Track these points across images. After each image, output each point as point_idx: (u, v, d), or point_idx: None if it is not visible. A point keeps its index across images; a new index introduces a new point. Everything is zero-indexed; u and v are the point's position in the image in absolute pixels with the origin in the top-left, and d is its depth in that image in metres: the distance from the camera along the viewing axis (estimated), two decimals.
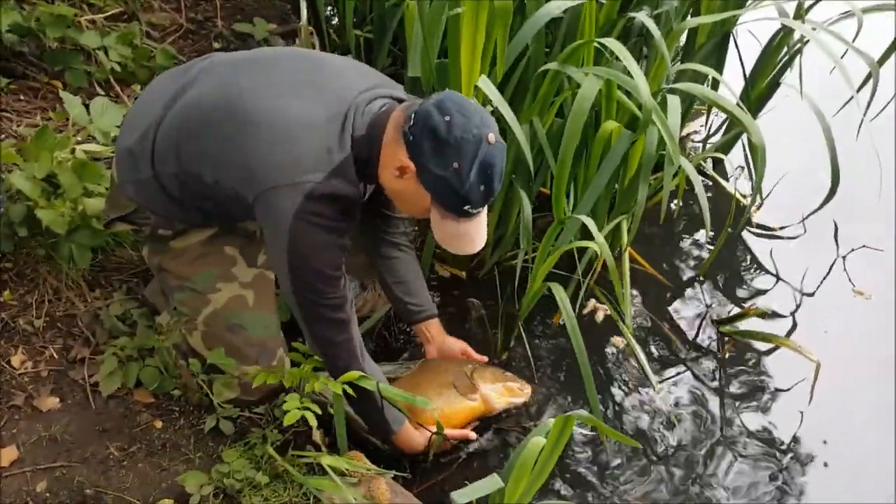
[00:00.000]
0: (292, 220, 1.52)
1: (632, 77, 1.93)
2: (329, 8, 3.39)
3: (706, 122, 3.22)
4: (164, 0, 3.23)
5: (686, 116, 2.82)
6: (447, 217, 1.59)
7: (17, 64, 2.72)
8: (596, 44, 2.06)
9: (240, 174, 1.57)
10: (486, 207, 1.62)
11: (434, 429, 1.85)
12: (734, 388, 2.24)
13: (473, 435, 1.95)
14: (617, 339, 2.35)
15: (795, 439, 2.11)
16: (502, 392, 2.00)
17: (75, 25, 2.74)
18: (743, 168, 3.10)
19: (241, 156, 1.56)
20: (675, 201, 2.72)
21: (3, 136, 2.48)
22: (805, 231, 2.84)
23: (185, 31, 3.15)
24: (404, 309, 2.05)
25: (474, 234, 1.62)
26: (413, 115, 1.52)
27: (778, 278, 2.64)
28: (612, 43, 1.97)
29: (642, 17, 2.16)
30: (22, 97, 2.68)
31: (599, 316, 2.39)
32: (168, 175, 1.68)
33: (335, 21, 3.33)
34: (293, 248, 1.55)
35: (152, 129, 1.68)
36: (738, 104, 2.18)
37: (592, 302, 2.41)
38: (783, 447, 2.09)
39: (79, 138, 2.22)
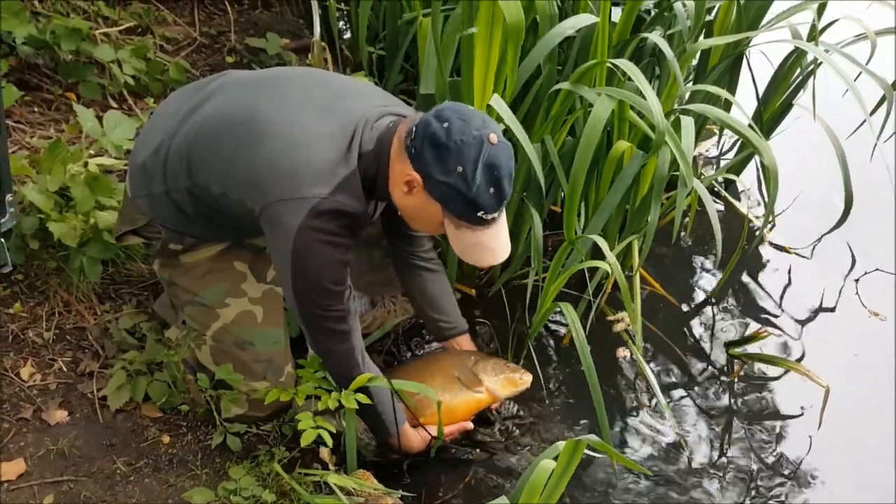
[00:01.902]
0: (296, 235, 1.53)
1: (644, 98, 1.93)
2: (342, 23, 3.41)
3: (718, 142, 3.22)
4: (178, 14, 3.25)
5: (698, 136, 2.80)
6: (461, 227, 1.57)
7: (31, 76, 2.74)
8: (608, 64, 2.06)
9: (247, 185, 1.58)
10: (502, 214, 1.60)
11: (435, 427, 1.85)
12: (744, 412, 2.22)
13: (470, 425, 1.94)
14: (623, 352, 2.34)
15: (804, 464, 2.08)
16: (504, 383, 1.99)
17: (90, 38, 2.76)
18: (750, 191, 3.09)
19: (248, 166, 1.57)
20: (686, 220, 2.71)
21: (16, 147, 2.49)
22: (817, 253, 2.82)
23: (198, 45, 3.17)
24: (435, 326, 2.06)
25: (493, 243, 1.60)
26: (414, 128, 1.52)
27: (789, 302, 2.62)
28: (624, 63, 1.97)
29: (655, 37, 2.16)
30: (36, 109, 2.69)
31: (619, 326, 2.38)
32: (179, 190, 1.69)
33: (348, 37, 3.34)
34: (296, 262, 1.56)
35: (165, 144, 1.69)
36: (750, 125, 2.17)
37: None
38: (791, 472, 2.06)
39: (91, 151, 2.23)
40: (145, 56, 2.84)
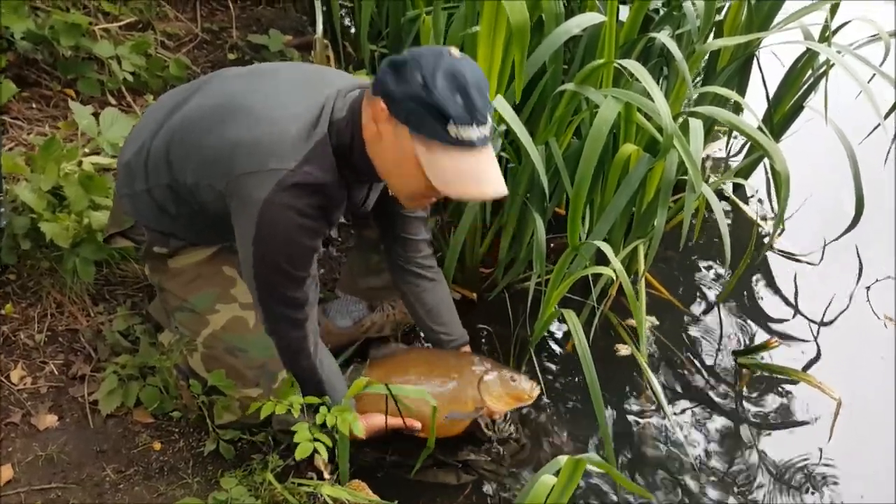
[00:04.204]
0: (261, 209, 1.46)
1: (652, 100, 1.87)
2: (345, 21, 3.36)
3: (727, 144, 3.16)
4: (179, 10, 3.22)
5: (707, 138, 2.76)
6: (434, 147, 1.40)
7: (30, 72, 2.71)
8: (615, 64, 2.01)
9: (214, 163, 1.53)
10: (488, 149, 1.44)
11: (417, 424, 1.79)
12: (751, 422, 2.16)
13: (419, 425, 1.81)
14: (622, 348, 2.29)
15: (814, 477, 2.03)
16: (508, 401, 1.91)
17: (89, 34, 2.73)
18: (758, 193, 3.03)
19: (216, 145, 1.53)
20: (694, 223, 2.66)
21: (13, 144, 2.46)
22: (827, 259, 2.76)
23: (200, 41, 3.13)
24: (435, 338, 2.00)
25: (476, 170, 1.43)
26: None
27: (798, 308, 2.56)
28: (632, 64, 1.91)
29: (663, 37, 2.11)
30: (34, 105, 2.66)
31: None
32: (160, 187, 1.65)
33: (351, 34, 3.29)
34: (259, 239, 1.50)
35: (147, 142, 1.67)
36: (760, 128, 2.12)
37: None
38: (801, 485, 2.01)
39: (86, 150, 2.20)
40: (145, 52, 2.80)
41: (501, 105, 1.94)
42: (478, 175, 1.43)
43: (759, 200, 3.02)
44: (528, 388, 1.92)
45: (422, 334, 2.17)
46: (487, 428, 1.92)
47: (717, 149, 3.22)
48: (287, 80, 1.61)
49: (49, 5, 2.86)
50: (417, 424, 1.79)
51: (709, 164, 3.17)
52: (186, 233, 1.72)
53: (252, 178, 1.48)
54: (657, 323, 2.42)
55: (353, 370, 1.92)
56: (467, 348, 2.02)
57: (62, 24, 2.64)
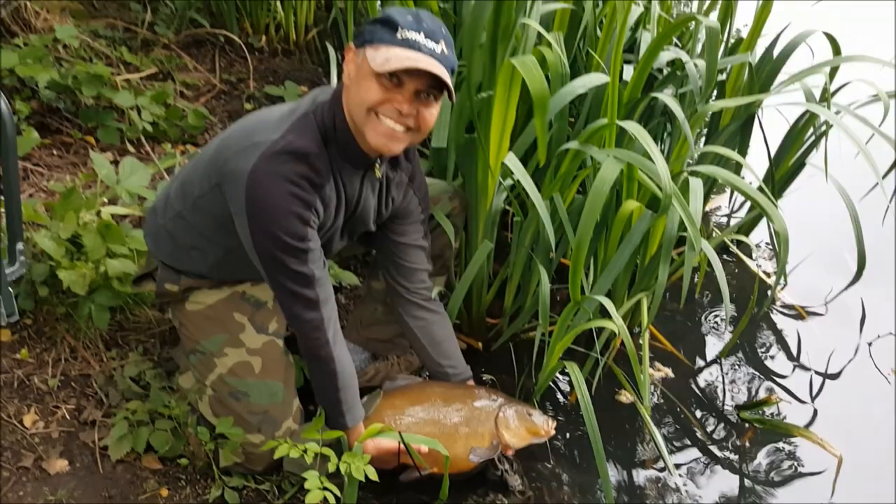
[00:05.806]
0: (248, 180, 1.53)
1: (653, 161, 1.93)
2: None
3: (730, 198, 3.21)
4: (199, 61, 3.32)
5: (711, 191, 2.81)
6: (380, 48, 1.49)
7: (52, 119, 2.80)
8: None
9: (212, 164, 1.64)
10: (435, 58, 1.49)
11: (423, 448, 1.76)
12: (753, 477, 2.17)
13: (425, 449, 1.76)
14: (625, 397, 2.32)
15: None
16: (524, 436, 1.90)
17: (111, 84, 2.82)
18: (763, 245, 3.07)
19: (214, 148, 1.67)
20: (697, 277, 2.69)
21: (33, 190, 2.53)
22: (829, 314, 2.78)
23: (218, 91, 3.22)
24: (441, 372, 2.00)
25: (417, 57, 1.48)
26: None
27: (800, 363, 2.58)
28: (633, 126, 1.97)
29: (666, 97, 2.17)
30: (55, 152, 2.74)
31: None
32: (173, 218, 1.76)
33: None
34: (251, 209, 1.55)
35: (170, 187, 1.82)
36: (760, 187, 2.16)
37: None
38: None
39: (105, 199, 2.26)
40: (165, 102, 2.89)
41: (511, 160, 2.00)
42: (417, 59, 1.49)
43: (764, 250, 3.05)
44: (544, 424, 1.92)
45: (426, 372, 2.19)
46: (499, 461, 1.91)
47: (722, 201, 3.27)
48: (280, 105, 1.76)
49: (73, 55, 2.97)
50: (424, 448, 1.74)
51: (713, 217, 3.21)
52: (196, 264, 1.79)
53: (238, 155, 1.57)
54: (672, 376, 2.44)
55: (368, 399, 1.89)
56: (471, 383, 2.04)
57: (85, 75, 2.74)
